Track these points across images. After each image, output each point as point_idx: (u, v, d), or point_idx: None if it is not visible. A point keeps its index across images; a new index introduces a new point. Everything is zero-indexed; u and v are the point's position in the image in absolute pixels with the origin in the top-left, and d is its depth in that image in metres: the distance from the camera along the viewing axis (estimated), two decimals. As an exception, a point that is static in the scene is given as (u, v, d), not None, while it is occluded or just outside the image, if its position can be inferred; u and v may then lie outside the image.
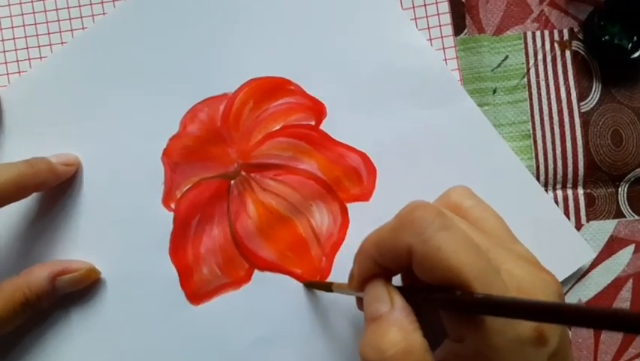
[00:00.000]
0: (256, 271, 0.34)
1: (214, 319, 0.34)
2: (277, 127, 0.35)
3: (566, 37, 0.35)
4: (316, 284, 0.34)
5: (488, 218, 0.29)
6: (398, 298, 0.25)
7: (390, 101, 0.35)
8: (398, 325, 0.25)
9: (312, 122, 0.35)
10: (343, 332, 0.34)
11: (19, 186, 0.32)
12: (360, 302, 0.29)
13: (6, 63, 0.36)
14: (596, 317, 0.19)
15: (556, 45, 0.35)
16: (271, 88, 0.35)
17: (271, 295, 0.34)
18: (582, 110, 0.35)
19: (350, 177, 0.35)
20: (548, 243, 0.34)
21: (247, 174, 0.35)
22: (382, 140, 0.35)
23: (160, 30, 0.36)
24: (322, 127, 0.35)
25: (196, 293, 0.34)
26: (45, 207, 0.35)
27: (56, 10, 0.36)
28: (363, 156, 0.35)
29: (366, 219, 0.34)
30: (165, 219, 0.35)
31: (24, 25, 0.36)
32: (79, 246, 0.35)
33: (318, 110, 0.35)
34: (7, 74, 0.36)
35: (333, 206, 0.35)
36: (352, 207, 0.35)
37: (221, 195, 0.35)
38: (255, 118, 0.35)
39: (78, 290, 0.34)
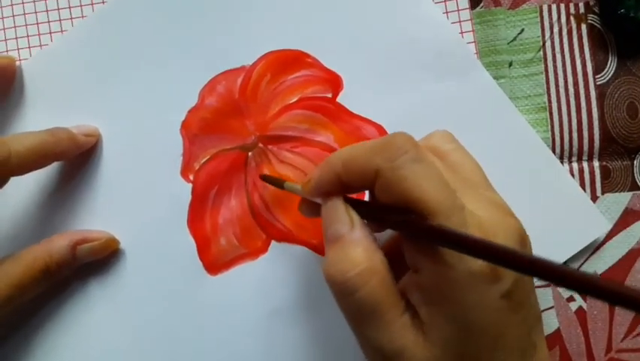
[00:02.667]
0: (273, 242, 0.35)
1: (232, 289, 0.35)
2: (294, 99, 0.36)
3: (581, 10, 0.36)
4: (270, 178, 0.34)
5: (465, 163, 0.29)
6: (357, 218, 0.26)
7: (407, 73, 0.35)
8: (361, 245, 0.25)
9: (329, 95, 0.35)
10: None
11: (41, 154, 0.32)
12: (305, 206, 0.30)
13: (27, 36, 0.36)
14: (523, 261, 0.20)
15: (572, 18, 0.36)
16: (288, 61, 0.36)
17: (288, 266, 0.35)
18: (598, 83, 0.35)
19: (366, 148, 0.35)
20: (564, 215, 0.34)
21: (264, 146, 0.35)
22: (399, 112, 0.35)
23: (179, 3, 0.36)
24: (339, 99, 0.35)
25: (214, 263, 0.35)
26: (65, 177, 0.36)
27: (77, -16, 0.36)
28: (380, 128, 0.35)
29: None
30: (184, 191, 0.35)
31: (45, -1, 0.36)
32: (98, 216, 0.35)
33: (334, 82, 0.35)
34: (29, 47, 0.36)
35: (350, 178, 0.35)
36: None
37: (238, 167, 0.35)
38: (272, 90, 0.36)
39: (97, 260, 0.35)
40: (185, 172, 0.35)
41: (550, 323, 0.35)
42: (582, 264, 0.35)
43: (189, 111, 0.36)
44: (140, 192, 0.35)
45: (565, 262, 0.35)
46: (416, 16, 0.35)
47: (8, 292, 0.31)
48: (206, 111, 0.36)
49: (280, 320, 0.34)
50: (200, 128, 0.35)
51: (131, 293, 0.35)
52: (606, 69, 0.35)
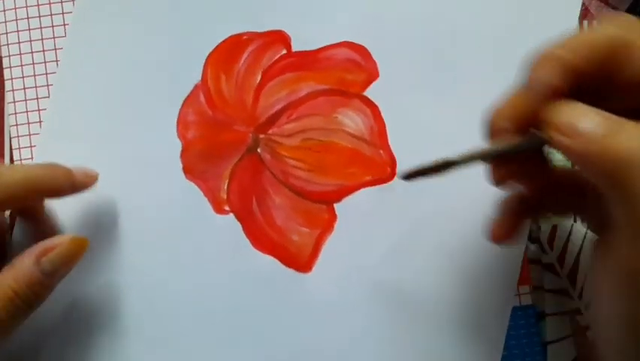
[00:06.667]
0: (336, 205, 0.34)
1: (330, 278, 0.33)
2: (259, 79, 0.35)
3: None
4: (425, 169, 0.25)
5: None
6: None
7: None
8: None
9: (284, 51, 0.34)
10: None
11: (32, 189, 0.29)
12: (497, 170, 0.25)
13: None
14: None
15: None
16: (228, 51, 0.35)
17: (363, 212, 0.33)
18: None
19: (349, 69, 0.34)
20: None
21: (265, 135, 0.34)
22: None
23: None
24: (295, 49, 0.34)
25: (301, 261, 0.33)
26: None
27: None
28: (346, 44, 0.34)
29: (389, 96, 0.34)
30: (229, 224, 0.34)
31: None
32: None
33: (281, 39, 0.34)
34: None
35: (354, 103, 0.34)
36: (371, 93, 0.34)
37: (259, 168, 0.34)
38: (235, 85, 0.34)
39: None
40: (218, 208, 0.34)
41: (569, 351, 0.33)
42: None
43: (181, 156, 0.34)
44: (192, 243, 0.33)
45: None
46: None
47: None
48: (196, 145, 0.34)
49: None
50: (202, 162, 0.34)
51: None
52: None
